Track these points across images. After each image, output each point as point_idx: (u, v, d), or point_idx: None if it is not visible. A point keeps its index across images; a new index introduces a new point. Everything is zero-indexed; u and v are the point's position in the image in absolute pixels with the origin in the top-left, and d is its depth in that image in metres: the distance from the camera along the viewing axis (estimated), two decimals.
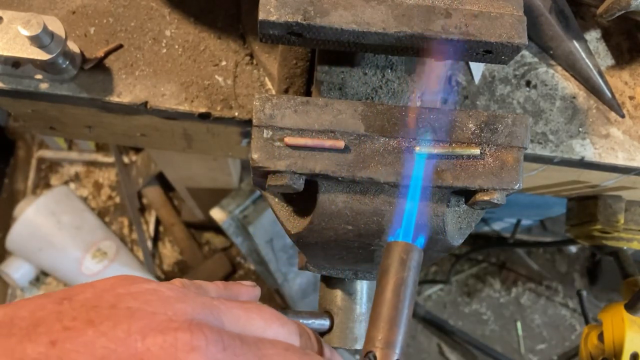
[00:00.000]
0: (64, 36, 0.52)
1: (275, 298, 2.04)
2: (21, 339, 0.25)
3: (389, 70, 0.47)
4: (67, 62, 0.55)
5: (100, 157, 2.14)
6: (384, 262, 0.33)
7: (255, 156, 0.41)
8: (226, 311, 0.31)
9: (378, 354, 0.31)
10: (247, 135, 0.65)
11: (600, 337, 0.86)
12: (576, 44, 0.63)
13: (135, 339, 0.26)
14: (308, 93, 0.53)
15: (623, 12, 0.53)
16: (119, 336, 0.26)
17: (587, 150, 0.62)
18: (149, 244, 2.10)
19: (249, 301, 0.35)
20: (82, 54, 0.57)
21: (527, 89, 0.63)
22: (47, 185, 2.14)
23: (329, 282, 0.56)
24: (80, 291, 0.29)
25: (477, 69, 0.62)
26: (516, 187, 0.42)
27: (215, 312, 0.30)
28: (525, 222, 1.94)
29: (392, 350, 0.31)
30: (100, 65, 0.58)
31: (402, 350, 0.32)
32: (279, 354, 0.30)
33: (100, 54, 0.58)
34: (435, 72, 0.50)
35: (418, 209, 0.38)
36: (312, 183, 0.43)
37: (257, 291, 0.41)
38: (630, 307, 0.80)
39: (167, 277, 2.12)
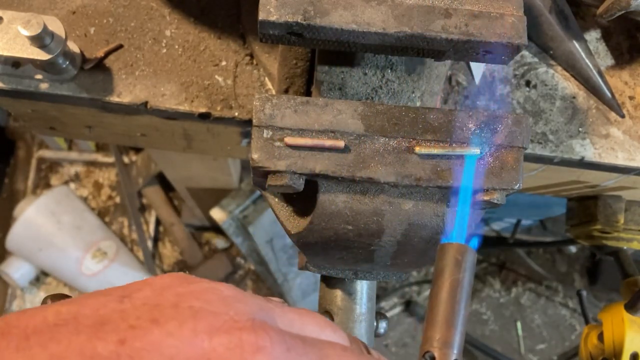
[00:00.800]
0: (64, 36, 0.52)
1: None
2: (90, 336, 0.25)
3: (389, 70, 0.47)
4: (67, 62, 0.55)
5: (100, 157, 2.14)
6: (438, 263, 0.34)
7: (255, 156, 0.41)
8: (281, 314, 0.31)
9: (436, 353, 0.31)
10: (247, 135, 0.65)
11: (600, 337, 0.86)
12: (576, 44, 0.63)
13: (202, 339, 0.26)
14: (308, 93, 0.53)
15: (623, 12, 0.53)
16: (185, 335, 0.26)
17: (587, 150, 0.62)
18: (149, 244, 2.10)
19: (301, 308, 0.35)
20: (82, 54, 0.57)
21: (527, 89, 0.63)
22: (47, 185, 2.14)
23: (329, 282, 0.56)
24: (137, 289, 0.29)
25: (477, 69, 0.62)
26: (516, 187, 0.42)
27: (270, 314, 0.30)
28: (525, 222, 1.94)
29: (450, 350, 0.31)
30: (100, 65, 0.58)
31: (460, 350, 0.32)
32: (338, 355, 0.30)
33: (100, 54, 0.58)
34: (435, 72, 0.50)
35: (470, 211, 0.38)
36: (312, 183, 0.43)
37: None
38: (630, 307, 0.80)
39: None
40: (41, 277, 2.06)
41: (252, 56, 0.60)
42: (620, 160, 0.62)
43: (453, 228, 0.37)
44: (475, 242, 0.35)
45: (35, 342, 0.24)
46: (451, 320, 0.32)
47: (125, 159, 2.12)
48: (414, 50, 0.43)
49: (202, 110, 0.58)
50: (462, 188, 0.41)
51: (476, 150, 0.42)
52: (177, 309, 0.27)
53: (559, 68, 0.64)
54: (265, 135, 0.41)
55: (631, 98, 0.64)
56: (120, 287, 0.29)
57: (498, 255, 2.27)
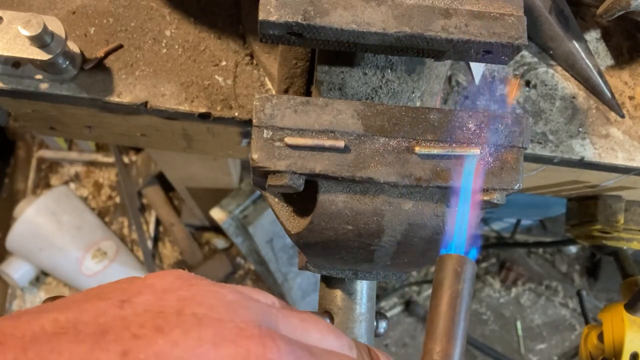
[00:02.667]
0: (64, 36, 0.52)
1: None
2: (92, 347, 0.23)
3: (389, 70, 0.47)
4: (67, 62, 0.55)
5: (100, 157, 2.14)
6: (437, 275, 0.33)
7: (255, 156, 0.41)
8: (284, 320, 0.30)
9: None
10: (247, 135, 0.65)
11: (600, 337, 0.86)
12: (576, 44, 0.63)
13: (208, 349, 0.25)
14: (308, 93, 0.53)
15: (623, 12, 0.53)
16: (190, 345, 0.25)
17: (587, 150, 0.62)
18: (149, 244, 2.10)
19: (304, 311, 0.34)
20: (82, 54, 0.57)
21: (527, 89, 0.63)
22: (47, 185, 2.14)
23: (329, 282, 0.56)
24: (137, 291, 0.27)
25: (477, 69, 0.62)
26: (516, 187, 0.42)
27: (274, 320, 0.29)
28: (525, 222, 1.94)
29: None
30: (100, 65, 0.58)
31: None
32: None
33: (100, 54, 0.58)
34: (435, 72, 0.50)
35: (469, 220, 0.38)
36: (312, 183, 0.43)
37: None
38: (630, 307, 0.80)
39: None
40: (41, 277, 2.06)
41: (252, 56, 0.60)
42: (620, 160, 0.62)
43: (452, 238, 0.36)
44: (474, 253, 0.35)
45: (34, 354, 0.23)
46: (451, 332, 0.31)
47: (125, 159, 2.12)
48: (414, 50, 0.43)
49: (202, 110, 0.58)
50: (462, 198, 0.41)
51: (476, 150, 0.42)
52: (181, 316, 0.26)
53: (559, 68, 0.64)
54: (265, 135, 0.41)
55: (631, 98, 0.64)
56: (118, 289, 0.28)
57: (498, 255, 2.27)
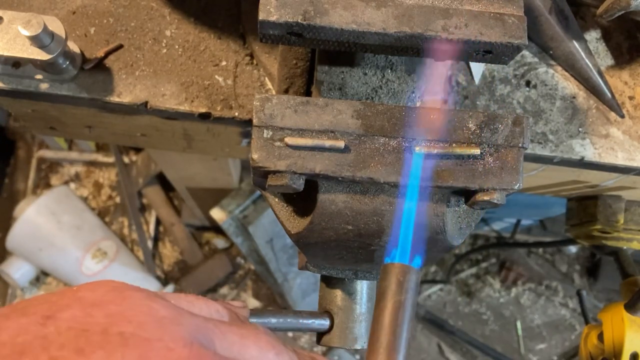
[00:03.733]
0: (64, 36, 0.52)
1: (275, 298, 2.04)
2: None
3: (389, 70, 0.47)
4: (67, 62, 0.55)
5: (100, 157, 2.14)
6: (380, 284, 0.33)
7: (255, 156, 0.41)
8: (221, 336, 0.29)
9: None
10: (247, 135, 0.65)
11: (600, 337, 0.86)
12: (576, 44, 0.63)
13: None
14: (308, 93, 0.53)
15: (623, 12, 0.53)
16: None
17: (587, 150, 0.62)
18: (149, 244, 2.10)
19: (245, 324, 0.32)
20: (82, 54, 0.57)
21: (527, 89, 0.63)
22: (47, 185, 2.14)
23: (329, 282, 0.56)
24: (65, 305, 0.26)
25: (477, 69, 0.62)
26: (516, 187, 0.42)
27: (209, 336, 0.28)
28: (525, 222, 1.94)
29: None
30: (100, 66, 0.58)
31: None
32: None
33: (101, 54, 0.58)
34: (436, 72, 0.50)
35: (414, 228, 0.37)
36: (312, 183, 0.43)
37: (246, 312, 0.39)
38: (630, 307, 0.80)
39: (167, 277, 2.12)
40: (41, 277, 2.07)
41: (252, 56, 0.60)
42: (620, 160, 0.62)
43: (396, 245, 0.35)
44: (418, 261, 0.34)
45: None
46: (393, 345, 0.31)
47: (125, 159, 2.12)
48: (414, 50, 0.43)
49: (202, 110, 0.58)
50: (407, 199, 0.39)
51: (476, 150, 0.42)
52: (106, 335, 0.24)
53: (559, 68, 0.64)
54: (265, 135, 0.41)
55: (631, 98, 0.64)
56: (46, 303, 0.26)
57: (498, 255, 2.27)
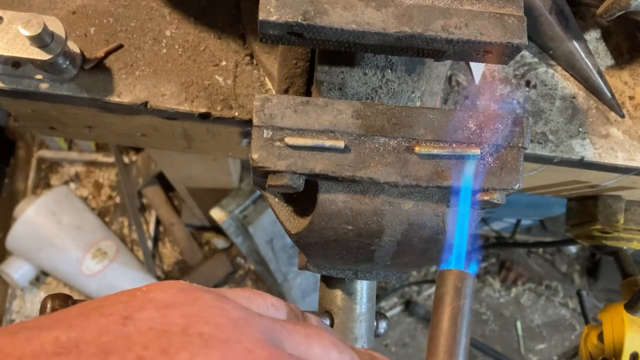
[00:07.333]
0: (64, 36, 0.52)
1: None
2: None
3: (389, 70, 0.47)
4: (67, 62, 0.55)
5: (100, 157, 2.14)
6: (438, 290, 0.33)
7: (255, 156, 0.41)
8: (288, 336, 0.29)
9: None
10: (247, 135, 0.65)
11: (600, 337, 0.86)
12: (576, 44, 0.63)
13: None
14: (308, 93, 0.53)
15: (623, 12, 0.53)
16: None
17: (587, 150, 0.62)
18: (149, 244, 2.10)
19: (307, 324, 0.32)
20: (82, 54, 0.57)
21: (527, 89, 0.63)
22: (47, 185, 2.14)
23: (329, 282, 0.56)
24: (140, 307, 0.26)
25: (477, 69, 0.62)
26: (516, 187, 0.42)
27: (278, 337, 0.28)
28: (525, 222, 1.94)
29: None
30: (100, 65, 0.58)
31: None
32: None
33: (101, 54, 0.58)
34: (435, 72, 0.50)
35: (468, 235, 0.37)
36: (312, 183, 0.43)
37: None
38: (630, 307, 0.80)
39: (167, 277, 2.12)
40: (41, 277, 2.06)
41: (252, 56, 0.60)
42: (620, 160, 0.62)
43: (452, 252, 0.36)
44: (474, 267, 0.35)
45: None
46: (453, 349, 0.31)
47: (125, 159, 2.12)
48: (414, 50, 0.43)
49: (202, 110, 0.58)
50: (461, 208, 0.40)
51: (476, 150, 0.42)
52: (187, 336, 0.25)
53: (559, 68, 0.64)
54: (265, 135, 0.41)
55: (631, 98, 0.64)
56: (120, 303, 0.26)
57: (498, 255, 2.27)
